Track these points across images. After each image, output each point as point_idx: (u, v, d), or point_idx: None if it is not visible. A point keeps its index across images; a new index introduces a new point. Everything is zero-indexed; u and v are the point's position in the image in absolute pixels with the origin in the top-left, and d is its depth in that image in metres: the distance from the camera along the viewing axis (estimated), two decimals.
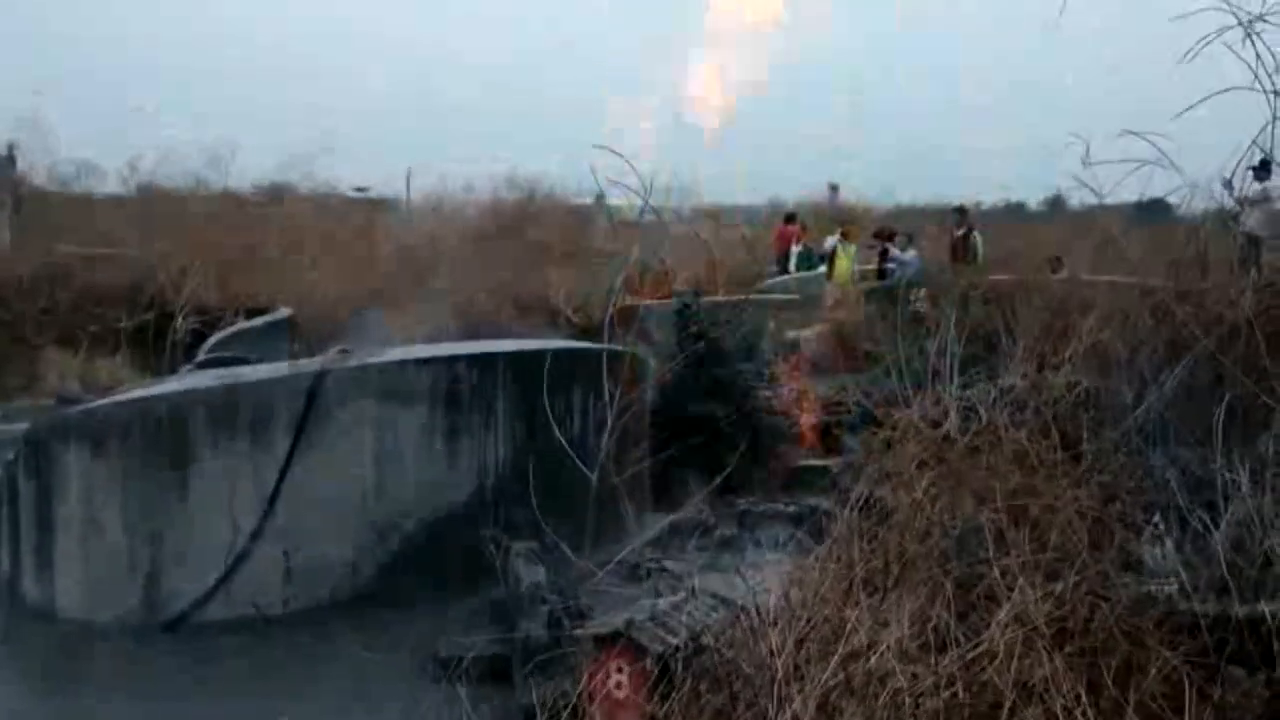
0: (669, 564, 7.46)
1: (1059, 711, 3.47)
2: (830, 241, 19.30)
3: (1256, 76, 5.94)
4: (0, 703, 6.28)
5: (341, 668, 6.50)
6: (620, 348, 8.74)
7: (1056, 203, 29.32)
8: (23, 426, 8.38)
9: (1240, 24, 5.82)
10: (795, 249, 21.84)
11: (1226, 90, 5.96)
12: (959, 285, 11.64)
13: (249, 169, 26.25)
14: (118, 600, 7.21)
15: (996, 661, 3.65)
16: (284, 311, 15.49)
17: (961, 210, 19.67)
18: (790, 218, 23.66)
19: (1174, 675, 3.80)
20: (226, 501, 7.25)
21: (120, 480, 7.23)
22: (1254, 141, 6.29)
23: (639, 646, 4.65)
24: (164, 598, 7.22)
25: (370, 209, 28.50)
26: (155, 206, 22.18)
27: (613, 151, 8.48)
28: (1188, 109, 6.05)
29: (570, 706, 4.68)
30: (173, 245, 18.21)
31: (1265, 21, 5.81)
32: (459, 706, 4.71)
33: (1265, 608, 4.05)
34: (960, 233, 18.69)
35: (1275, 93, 5.99)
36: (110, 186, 24.79)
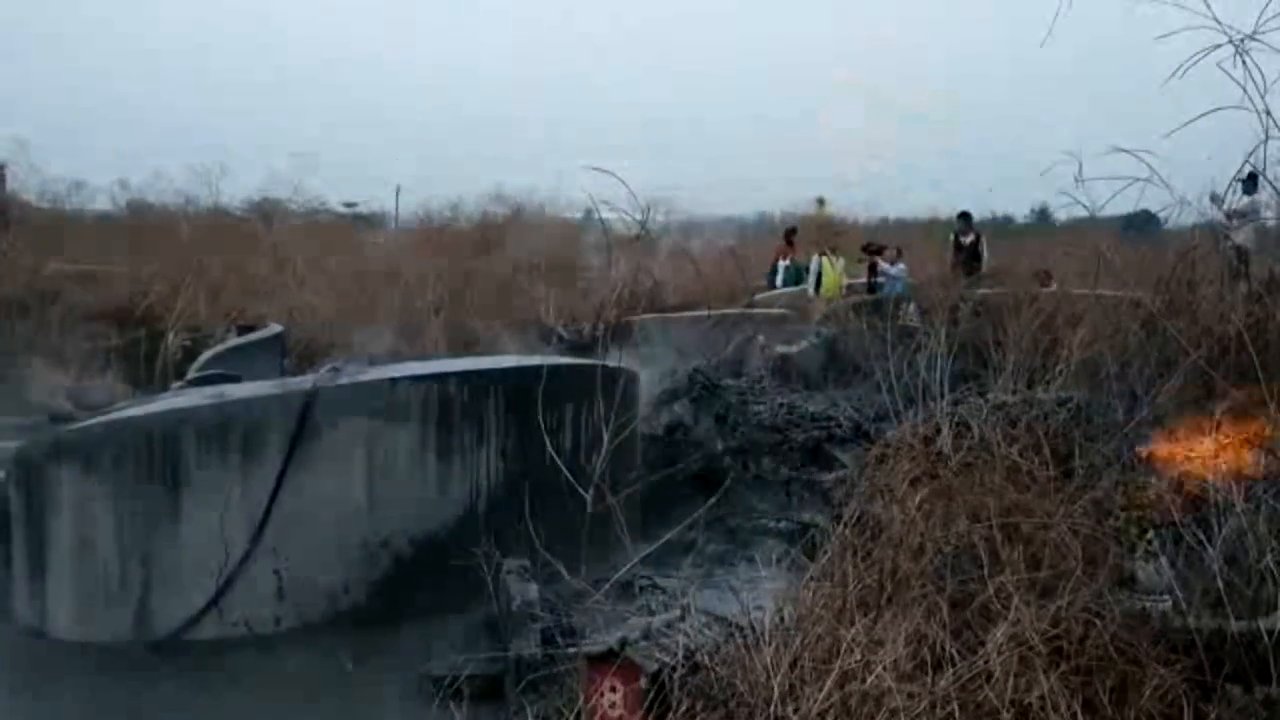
0: (662, 582, 7.45)
1: None
2: (815, 259, 19.23)
3: (1247, 95, 5.96)
4: None
5: (334, 686, 6.47)
6: (613, 364, 8.72)
7: (1044, 216, 29.45)
8: (13, 445, 8.34)
9: (1231, 42, 5.84)
10: (783, 264, 21.81)
11: (1217, 110, 5.98)
12: (949, 298, 11.66)
13: (238, 186, 26.33)
14: (110, 619, 7.18)
15: (992, 681, 3.65)
16: (275, 328, 15.46)
17: (966, 216, 18.49)
18: (791, 232, 23.57)
19: (1170, 693, 3.80)
20: (218, 520, 7.21)
21: (112, 499, 7.20)
22: (1246, 159, 6.32)
23: (633, 665, 4.63)
24: (156, 616, 7.18)
25: (359, 225, 28.56)
26: (145, 224, 22.19)
27: (604, 171, 8.47)
28: (1178, 128, 6.07)
29: None
30: (163, 263, 18.21)
31: (1255, 41, 5.83)
32: None
33: (1261, 624, 4.05)
34: (969, 239, 17.79)
35: (1265, 112, 6.01)
36: (100, 204, 24.83)
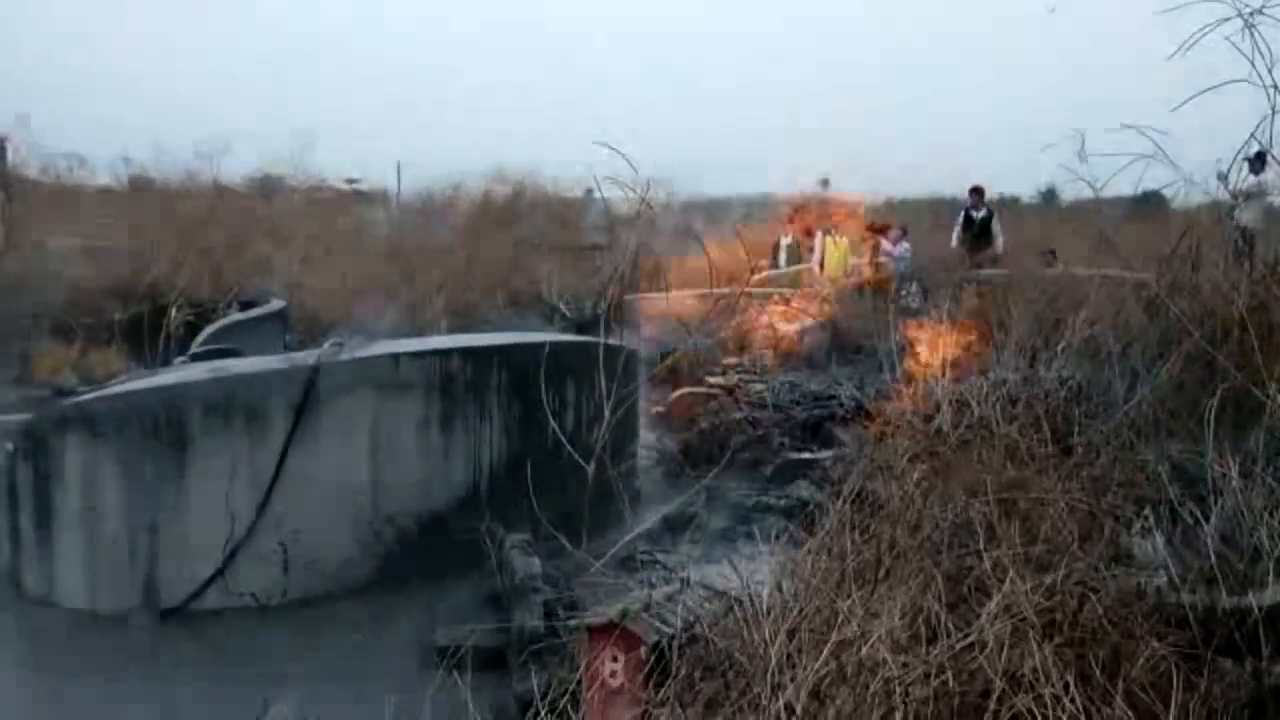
0: (662, 556, 7.51)
1: (1048, 700, 3.51)
2: (819, 239, 19.24)
3: (1255, 70, 5.95)
4: (2, 689, 6.32)
5: (338, 655, 6.54)
6: (615, 342, 8.76)
7: (1050, 195, 29.42)
8: (19, 418, 8.40)
9: (1240, 16, 5.83)
10: (785, 242, 21.78)
11: (1224, 84, 5.96)
12: (951, 280, 11.69)
13: (240, 162, 26.31)
14: (117, 589, 7.24)
15: (986, 651, 3.69)
16: (277, 304, 15.50)
17: (979, 190, 17.52)
18: (796, 211, 23.53)
19: (1161, 665, 3.84)
20: (224, 492, 7.28)
21: (119, 471, 7.26)
22: (1252, 135, 6.30)
23: (634, 635, 4.69)
24: (163, 586, 7.25)
25: (361, 202, 28.56)
26: (147, 199, 22.18)
27: (609, 147, 8.48)
28: (1184, 102, 6.05)
29: (566, 694, 4.73)
30: (165, 238, 18.22)
31: (1264, 15, 5.82)
32: (455, 694, 4.74)
33: (1252, 599, 4.09)
34: (981, 215, 17.16)
35: (1274, 87, 6.00)
36: (102, 179, 24.81)
